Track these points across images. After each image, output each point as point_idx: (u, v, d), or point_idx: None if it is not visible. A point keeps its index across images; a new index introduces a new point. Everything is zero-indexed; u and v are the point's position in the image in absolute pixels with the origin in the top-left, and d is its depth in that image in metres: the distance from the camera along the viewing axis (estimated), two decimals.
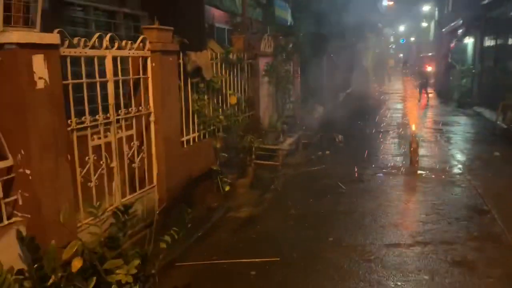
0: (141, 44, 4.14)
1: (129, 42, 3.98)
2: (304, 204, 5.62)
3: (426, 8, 32.56)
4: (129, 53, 3.98)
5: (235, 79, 6.47)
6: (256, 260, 4.07)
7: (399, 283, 3.59)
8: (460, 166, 7.42)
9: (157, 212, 4.26)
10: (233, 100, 6.27)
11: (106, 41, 3.65)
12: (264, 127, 7.67)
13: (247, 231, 4.83)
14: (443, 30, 21.56)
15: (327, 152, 8.43)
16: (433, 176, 6.78)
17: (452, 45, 19.45)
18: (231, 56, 6.21)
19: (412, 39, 48.03)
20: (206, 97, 5.49)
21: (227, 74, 6.16)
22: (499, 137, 9.69)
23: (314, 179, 6.80)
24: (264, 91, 7.80)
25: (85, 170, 3.44)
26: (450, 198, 5.79)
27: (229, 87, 6.26)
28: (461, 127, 11.51)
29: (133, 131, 4.11)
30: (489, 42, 14.85)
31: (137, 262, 2.79)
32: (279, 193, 6.14)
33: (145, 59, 4.26)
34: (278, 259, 4.08)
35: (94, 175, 3.55)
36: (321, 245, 4.36)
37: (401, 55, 53.88)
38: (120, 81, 3.88)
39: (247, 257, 4.12)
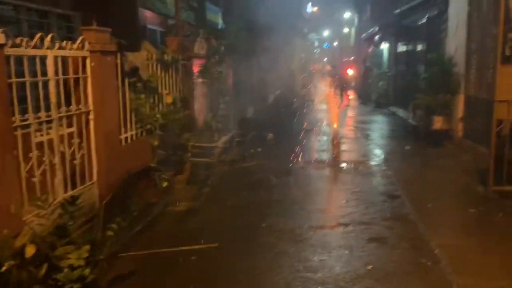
0: (80, 45, 4.27)
1: (70, 42, 4.10)
2: (239, 196, 6.00)
3: (347, 15, 34.48)
4: (69, 53, 4.10)
5: (171, 79, 6.69)
6: (196, 247, 4.36)
7: (323, 258, 4.08)
8: (376, 158, 8.24)
9: (98, 206, 4.40)
10: (169, 99, 6.48)
11: (47, 41, 3.76)
12: (199, 125, 7.94)
13: (186, 222, 5.10)
14: (362, 36, 23.08)
15: (259, 149, 8.90)
16: (353, 167, 7.49)
17: (370, 50, 20.92)
18: (166, 57, 6.43)
19: (336, 44, 50.44)
20: (143, 96, 5.66)
21: (163, 74, 6.36)
22: (410, 133, 10.75)
23: (248, 174, 7.22)
24: (199, 92, 8.08)
25: (29, 166, 3.53)
26: (368, 186, 6.48)
27: (165, 87, 6.47)
28: (378, 125, 12.60)
29: (74, 129, 4.22)
30: (401, 48, 16.25)
31: (87, 247, 2.98)
32: (215, 187, 6.46)
33: (84, 59, 4.39)
34: (217, 244, 4.40)
35: (38, 170, 3.64)
36: (256, 231, 4.75)
37: (326, 58, 56.29)
38: (61, 80, 3.99)
39: (187, 245, 4.40)
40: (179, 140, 6.69)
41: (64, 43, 4.01)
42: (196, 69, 7.97)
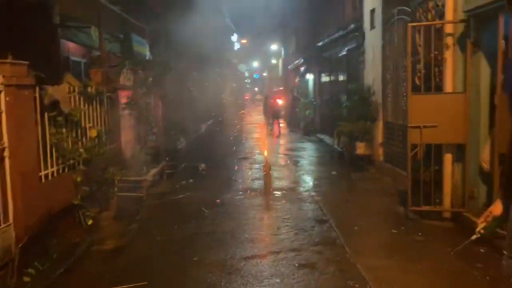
0: None
1: None
2: (169, 231, 5.84)
3: (274, 46, 35.84)
4: None
5: (95, 112, 6.48)
6: (124, 286, 4.16)
7: None
8: (305, 184, 8.48)
9: (15, 250, 4.08)
10: (93, 132, 6.26)
11: None
12: (127, 158, 7.71)
13: (113, 261, 4.86)
14: (289, 67, 24.05)
15: (191, 180, 8.81)
16: (284, 195, 7.64)
17: (296, 80, 21.81)
18: (89, 89, 6.23)
19: (265, 74, 52.04)
20: (64, 130, 5.42)
21: (86, 107, 6.14)
22: (336, 158, 11.23)
23: (179, 207, 7.09)
24: (126, 123, 7.89)
25: None
26: (297, 212, 6.62)
27: (89, 120, 6.24)
28: (306, 152, 13.02)
29: None
30: (325, 78, 17.12)
31: None
32: (144, 223, 6.25)
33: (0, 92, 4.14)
34: (146, 283, 4.24)
35: None
36: (186, 265, 4.65)
37: (256, 88, 57.71)
38: None
39: (114, 285, 4.19)
40: (105, 175, 6.44)
41: None
42: (123, 100, 7.79)
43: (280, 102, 20.72)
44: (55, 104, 5.14)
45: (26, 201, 4.44)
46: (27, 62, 4.53)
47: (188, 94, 15.49)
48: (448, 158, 5.86)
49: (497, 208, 2.49)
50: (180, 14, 11.55)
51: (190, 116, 14.94)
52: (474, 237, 2.55)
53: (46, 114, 5.03)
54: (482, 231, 2.57)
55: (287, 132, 18.69)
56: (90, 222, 5.54)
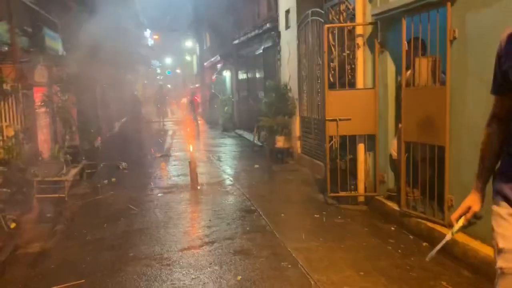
0: None
1: None
2: (99, 230, 5.75)
3: (188, 43, 35.58)
4: None
5: (11, 110, 6.12)
6: (60, 286, 4.09)
7: (196, 276, 4.24)
8: (230, 178, 8.75)
9: None
10: (9, 132, 5.93)
11: None
12: (45, 158, 7.35)
13: (43, 264, 4.69)
14: (205, 64, 24.13)
15: (113, 179, 8.62)
16: (211, 188, 7.84)
17: (213, 77, 21.99)
18: (5, 86, 5.88)
19: (178, 71, 51.33)
20: None
21: (2, 105, 5.79)
22: (257, 152, 11.67)
23: (105, 206, 6.95)
24: (42, 122, 7.50)
25: None
26: (226, 204, 6.87)
27: (5, 119, 5.89)
28: (228, 147, 13.31)
29: None
30: (242, 76, 17.55)
31: None
32: (70, 224, 6.06)
33: None
34: (83, 281, 4.20)
35: None
36: (123, 261, 4.66)
37: (169, 85, 56.71)
38: None
39: (49, 286, 4.09)
40: (24, 175, 6.12)
41: None
42: (38, 98, 7.40)
43: (198, 99, 20.75)
44: None
45: None
46: None
47: (101, 91, 14.92)
48: (361, 147, 6.48)
49: (475, 202, 2.11)
50: (93, 8, 11.14)
51: (104, 114, 14.45)
52: (448, 237, 2.14)
53: None
54: (456, 232, 2.14)
55: (206, 129, 18.83)
56: (12, 225, 5.26)
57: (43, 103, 7.49)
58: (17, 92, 6.35)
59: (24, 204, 5.97)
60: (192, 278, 4.21)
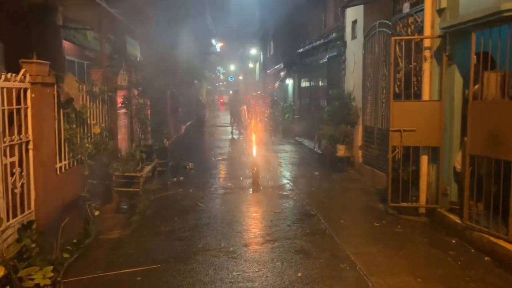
0: (22, 76, 4.40)
1: (13, 74, 4.22)
2: (170, 222, 6.28)
3: (252, 51, 36.40)
4: (13, 84, 4.22)
5: (98, 110, 6.84)
6: (138, 269, 4.59)
7: (259, 269, 4.58)
8: (290, 183, 9.04)
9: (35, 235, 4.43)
10: (97, 130, 6.62)
11: None
12: (123, 155, 8.07)
13: (123, 248, 5.26)
14: (268, 71, 24.65)
15: (181, 178, 9.24)
16: (272, 192, 8.18)
17: (276, 85, 22.42)
18: (94, 88, 6.60)
19: (241, 77, 52.52)
20: (75, 126, 5.79)
21: (91, 105, 6.51)
22: (316, 160, 11.86)
23: (175, 201, 7.52)
24: (122, 122, 8.25)
25: None
26: (286, 207, 7.18)
27: (93, 118, 6.61)
28: (287, 154, 13.61)
29: (15, 158, 4.28)
30: (304, 84, 17.81)
31: (50, 267, 3.15)
32: (145, 215, 6.67)
33: (25, 90, 4.50)
34: (158, 265, 4.68)
35: None
36: (193, 251, 5.11)
37: (231, 91, 58.02)
38: (6, 110, 4.09)
39: (129, 268, 4.61)
40: (107, 169, 6.81)
41: (9, 75, 4.13)
42: (119, 99, 8.15)
43: (259, 105, 21.28)
44: (69, 102, 5.51)
45: (45, 191, 4.80)
46: (48, 62, 4.90)
47: (171, 95, 15.84)
48: (424, 159, 6.53)
49: None
50: (168, 17, 11.96)
51: (172, 117, 15.33)
52: None
53: (61, 111, 5.38)
54: None
55: (267, 135, 19.24)
56: (96, 213, 5.90)
57: (123, 105, 8.23)
58: (104, 94, 7.08)
59: (105, 195, 6.64)
60: (256, 271, 4.55)
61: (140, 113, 8.85)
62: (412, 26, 7.28)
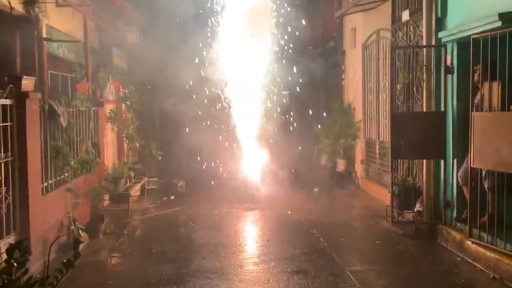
0: (8, 93, 4.61)
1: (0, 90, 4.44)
2: (162, 243, 6.44)
3: None
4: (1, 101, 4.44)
5: (84, 126, 7.06)
6: None
7: None
8: (289, 199, 9.20)
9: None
10: (83, 146, 6.83)
11: None
12: (111, 173, 8.26)
13: (112, 270, 5.44)
14: None
15: (172, 197, 9.41)
16: (269, 209, 8.37)
17: None
18: (80, 103, 6.82)
19: None
20: (60, 143, 5.99)
21: (77, 121, 6.72)
22: (316, 174, 12.05)
23: (166, 221, 7.70)
24: (109, 138, 8.46)
25: None
26: (285, 225, 7.37)
27: (80, 134, 6.82)
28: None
29: (1, 176, 4.47)
30: (305, 95, 18.09)
31: None
32: (134, 236, 6.84)
33: (11, 106, 4.71)
34: None
35: None
36: (186, 272, 5.27)
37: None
38: None
39: None
40: (94, 188, 6.99)
41: None
42: (106, 114, 8.38)
43: None
44: (54, 118, 5.72)
45: (30, 211, 4.97)
46: (35, 77, 5.13)
47: (160, 110, 16.03)
48: (427, 173, 6.74)
49: None
50: (155, 28, 12.24)
51: (162, 133, 15.50)
52: None
53: (48, 127, 5.59)
54: None
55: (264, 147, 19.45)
56: (83, 234, 6.07)
57: (110, 120, 8.45)
58: (90, 109, 7.30)
59: (93, 215, 6.81)
60: None
61: (127, 128, 9.05)
62: (412, 35, 7.57)
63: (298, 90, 18.38)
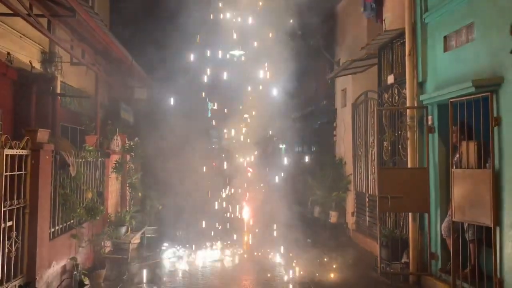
0: (25, 144, 4.85)
1: (17, 142, 4.67)
2: None
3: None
4: (16, 152, 4.65)
5: (91, 175, 7.25)
6: None
7: None
8: (283, 251, 9.24)
9: None
10: (89, 195, 6.99)
11: (1, 141, 4.33)
12: (113, 221, 8.35)
13: None
14: None
15: (171, 244, 9.42)
16: (264, 259, 8.43)
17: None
18: (88, 154, 7.05)
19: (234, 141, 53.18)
20: (69, 191, 6.16)
21: (85, 170, 6.92)
22: (310, 226, 12.04)
23: (164, 269, 7.72)
24: (113, 187, 8.62)
25: None
26: (281, 276, 7.40)
27: (86, 183, 7.00)
28: (280, 217, 13.83)
29: (13, 222, 4.62)
30: (297, 149, 18.44)
31: None
32: (133, 282, 6.85)
33: (26, 157, 4.93)
34: None
35: None
36: None
37: (223, 155, 58.56)
38: (9, 176, 4.49)
39: None
40: (97, 235, 7.08)
41: (13, 143, 4.58)
42: (111, 165, 8.58)
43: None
44: (65, 168, 5.92)
45: (37, 256, 5.07)
46: (49, 130, 5.38)
47: (163, 160, 16.26)
48: (412, 226, 6.89)
49: None
50: (163, 82, 12.69)
51: (165, 182, 15.62)
52: None
53: (58, 176, 5.79)
54: None
55: (261, 197, 19.47)
56: (86, 281, 6.10)
57: (115, 170, 8.64)
58: (97, 160, 7.53)
59: (95, 261, 6.86)
60: None
61: (130, 178, 9.24)
62: (397, 97, 7.95)
63: (294, 145, 18.84)
